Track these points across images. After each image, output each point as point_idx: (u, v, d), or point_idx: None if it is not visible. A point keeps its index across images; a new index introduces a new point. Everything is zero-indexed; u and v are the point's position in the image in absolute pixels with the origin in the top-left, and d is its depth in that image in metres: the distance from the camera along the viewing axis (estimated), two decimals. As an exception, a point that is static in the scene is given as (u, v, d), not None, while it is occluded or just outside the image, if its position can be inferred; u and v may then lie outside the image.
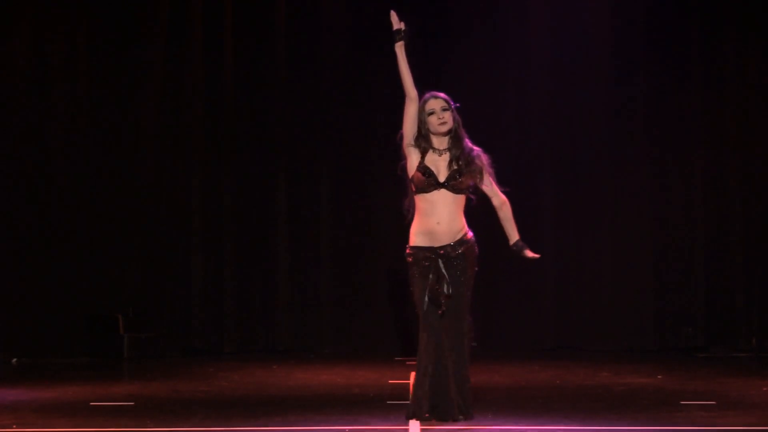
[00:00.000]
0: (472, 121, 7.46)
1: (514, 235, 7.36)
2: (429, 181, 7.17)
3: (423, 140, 7.25)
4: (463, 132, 7.30)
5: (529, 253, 7.34)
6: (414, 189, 7.24)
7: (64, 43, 11.92)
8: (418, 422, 7.07)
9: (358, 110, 12.19)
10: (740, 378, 9.65)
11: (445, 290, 7.17)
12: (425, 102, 7.27)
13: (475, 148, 7.31)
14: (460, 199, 7.25)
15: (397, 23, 7.30)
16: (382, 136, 11.47)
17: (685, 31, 12.13)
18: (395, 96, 7.31)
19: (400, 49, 7.29)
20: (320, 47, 12.18)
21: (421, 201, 7.23)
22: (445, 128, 7.22)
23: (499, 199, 7.34)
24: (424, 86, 7.32)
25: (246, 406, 8.13)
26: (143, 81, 12.06)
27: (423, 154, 7.23)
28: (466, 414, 7.17)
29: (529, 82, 12.20)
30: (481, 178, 7.27)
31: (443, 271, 7.20)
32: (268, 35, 12.17)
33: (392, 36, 7.33)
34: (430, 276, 7.17)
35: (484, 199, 7.39)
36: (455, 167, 7.18)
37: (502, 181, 7.41)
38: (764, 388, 8.84)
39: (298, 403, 8.24)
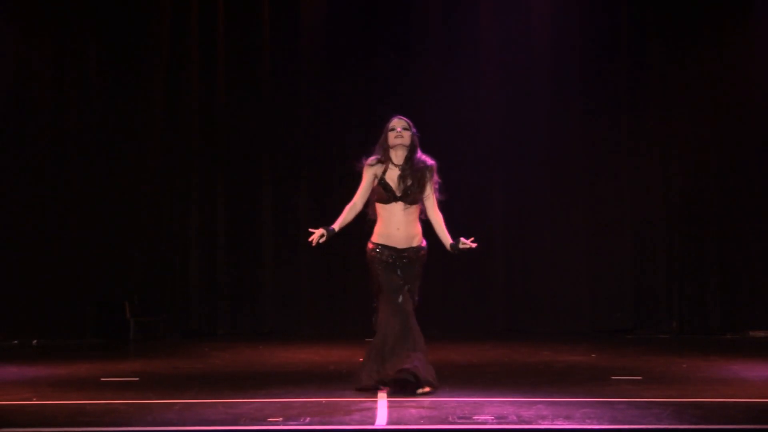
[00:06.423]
0: (430, 125, 7.41)
1: (448, 240, 7.23)
2: (388, 195, 7.20)
3: (383, 155, 7.25)
4: (417, 151, 7.28)
5: (466, 243, 7.18)
6: (375, 199, 7.26)
7: (80, 62, 11.85)
8: (385, 393, 7.06)
9: (331, 126, 12.10)
10: (663, 356, 9.65)
11: (406, 283, 7.24)
12: (390, 121, 7.34)
13: (428, 160, 7.30)
14: (416, 208, 7.27)
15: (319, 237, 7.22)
16: (350, 147, 11.46)
17: (614, 41, 11.98)
18: (362, 113, 7.24)
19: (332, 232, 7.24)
20: (299, 77, 12.12)
21: (382, 209, 7.28)
22: (399, 141, 7.23)
23: (433, 213, 7.28)
24: (390, 98, 7.32)
25: (235, 381, 8.09)
26: (149, 101, 11.98)
27: (383, 171, 7.22)
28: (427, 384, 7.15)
29: (480, 92, 12.03)
30: (423, 190, 7.25)
31: (404, 268, 7.23)
32: (255, 60, 12.12)
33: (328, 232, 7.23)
34: (398, 271, 7.18)
35: (443, 210, 7.36)
36: (408, 183, 7.17)
37: (457, 181, 7.37)
38: (683, 365, 8.87)
39: (280, 378, 8.22)
